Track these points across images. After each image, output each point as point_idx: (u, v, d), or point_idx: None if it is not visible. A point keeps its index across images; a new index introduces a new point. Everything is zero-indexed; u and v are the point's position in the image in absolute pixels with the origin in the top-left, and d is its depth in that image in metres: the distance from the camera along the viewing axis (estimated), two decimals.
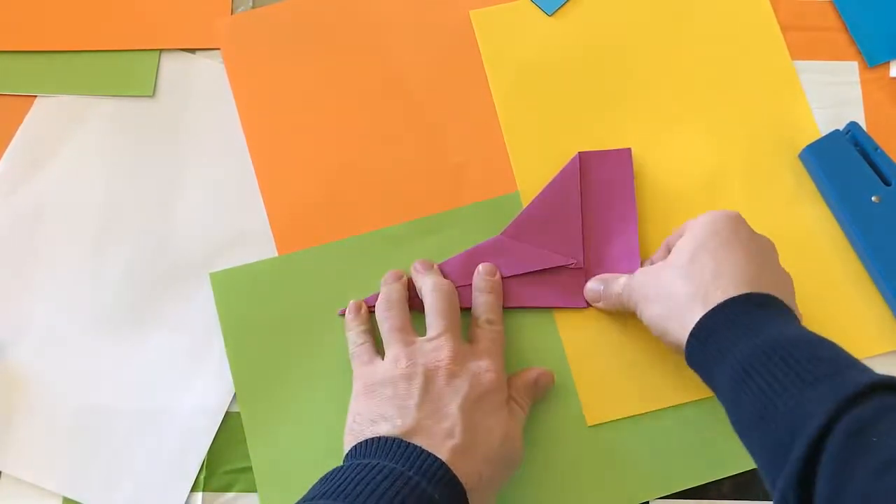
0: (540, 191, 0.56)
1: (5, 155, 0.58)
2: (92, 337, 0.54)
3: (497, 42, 0.60)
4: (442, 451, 0.43)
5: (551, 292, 0.54)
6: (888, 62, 0.60)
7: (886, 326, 0.54)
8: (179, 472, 0.51)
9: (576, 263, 0.54)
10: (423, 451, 0.42)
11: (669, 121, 0.59)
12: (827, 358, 0.39)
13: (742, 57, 0.60)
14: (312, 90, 0.60)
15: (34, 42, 0.60)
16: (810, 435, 0.35)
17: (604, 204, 0.56)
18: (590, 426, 0.52)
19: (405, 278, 0.53)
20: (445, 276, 0.54)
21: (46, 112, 0.59)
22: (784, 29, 0.61)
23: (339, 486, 0.40)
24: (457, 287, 0.53)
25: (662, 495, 0.51)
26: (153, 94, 0.60)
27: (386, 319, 0.50)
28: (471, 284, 0.54)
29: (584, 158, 0.57)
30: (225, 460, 0.52)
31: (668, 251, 0.49)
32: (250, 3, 0.62)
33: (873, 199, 0.55)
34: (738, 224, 0.48)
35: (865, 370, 0.39)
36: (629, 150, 0.57)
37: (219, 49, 0.61)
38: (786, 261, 0.55)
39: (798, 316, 0.45)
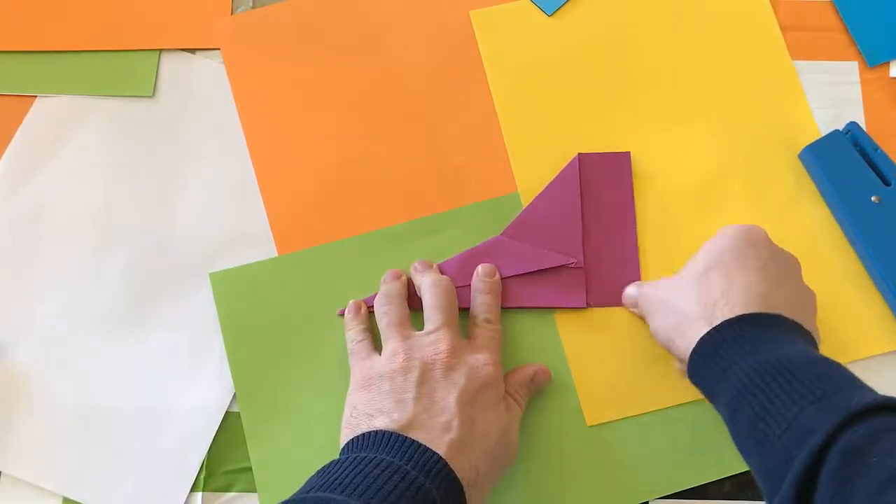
0: (540, 192, 0.56)
1: (5, 155, 0.58)
2: (92, 337, 0.54)
3: (497, 42, 0.60)
4: (440, 446, 0.43)
5: (551, 292, 0.54)
6: (888, 62, 0.60)
7: (886, 326, 0.54)
8: (179, 472, 0.51)
9: (575, 263, 0.54)
10: (420, 445, 0.42)
11: (669, 121, 0.59)
12: (828, 377, 0.39)
13: (742, 57, 0.60)
14: (312, 90, 0.60)
15: (34, 42, 0.60)
16: (809, 452, 0.35)
17: (603, 205, 0.56)
18: (589, 426, 0.52)
19: (404, 277, 0.54)
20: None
21: (46, 112, 0.59)
22: (784, 29, 0.61)
23: (336, 478, 0.40)
24: (456, 287, 0.53)
25: (662, 495, 0.51)
26: (153, 94, 0.60)
27: (384, 314, 0.50)
28: (470, 285, 0.54)
29: (583, 160, 0.57)
30: (225, 460, 0.52)
31: None
32: (250, 3, 0.62)
33: (873, 199, 0.55)
34: (757, 239, 0.47)
35: (868, 390, 0.39)
36: (628, 153, 0.57)
37: (219, 49, 0.61)
38: None
39: (815, 337, 0.45)
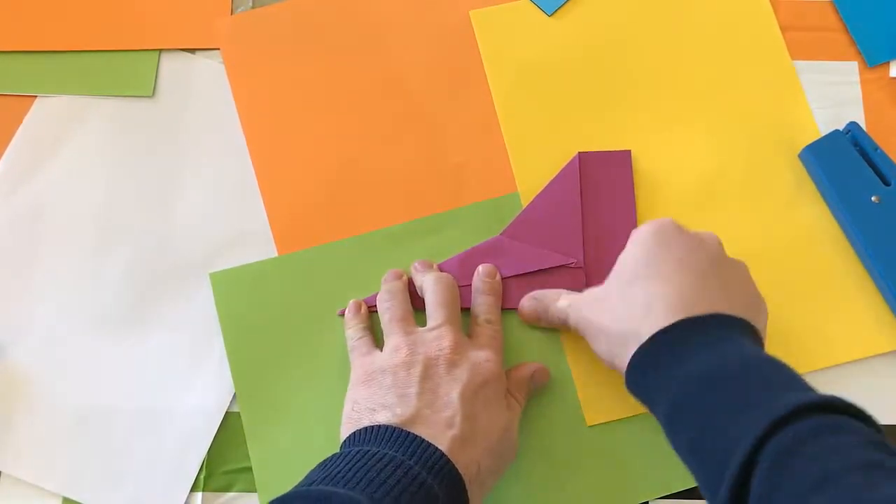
0: (540, 191, 0.56)
1: (5, 155, 0.58)
2: (92, 337, 0.54)
3: (497, 42, 0.60)
4: (442, 442, 0.43)
5: None
6: (888, 62, 0.60)
7: (886, 326, 0.54)
8: (179, 472, 0.51)
9: (576, 263, 0.54)
10: (423, 441, 0.42)
11: (669, 120, 0.59)
12: (761, 379, 0.38)
13: (742, 57, 0.60)
14: (312, 90, 0.60)
15: (34, 42, 0.60)
16: (740, 460, 0.35)
17: (603, 204, 0.56)
18: (589, 426, 0.52)
19: (406, 277, 0.54)
20: None
21: (46, 112, 0.59)
22: (784, 29, 0.61)
23: (339, 472, 0.40)
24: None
25: (662, 495, 0.51)
26: (153, 94, 0.60)
27: (387, 310, 0.50)
28: (470, 285, 0.54)
29: (583, 159, 0.57)
30: (225, 460, 0.52)
31: None
32: (250, 3, 0.62)
33: (873, 199, 0.55)
34: (667, 238, 0.46)
35: (802, 390, 0.38)
36: (629, 152, 0.57)
37: (219, 49, 0.61)
38: (786, 261, 0.55)
39: (754, 307, 0.45)
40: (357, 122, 0.59)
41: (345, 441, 0.45)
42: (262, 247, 0.56)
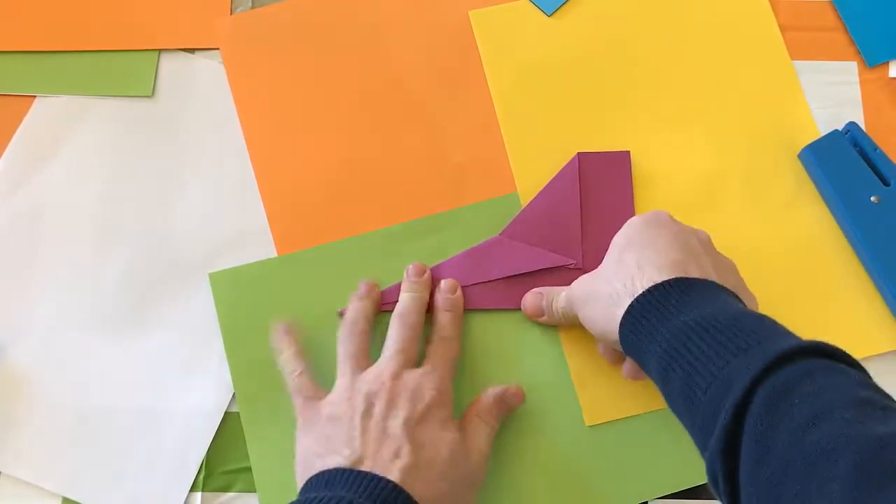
0: (539, 191, 0.56)
1: (5, 155, 0.58)
2: (92, 337, 0.54)
3: (496, 42, 0.60)
4: (392, 473, 0.43)
5: None
6: (888, 62, 0.61)
7: (886, 326, 0.54)
8: (179, 472, 0.51)
9: (575, 264, 0.54)
10: (372, 476, 0.42)
11: (669, 121, 0.59)
12: (752, 329, 0.39)
13: (742, 57, 0.60)
14: (312, 90, 0.60)
15: (34, 42, 0.60)
16: (734, 401, 0.35)
17: (602, 204, 0.56)
18: (589, 426, 0.52)
19: (376, 291, 0.53)
20: (442, 278, 0.54)
21: (46, 112, 0.59)
22: (784, 29, 0.61)
23: None
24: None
25: (662, 495, 0.51)
26: (153, 94, 0.60)
27: (341, 344, 0.50)
28: (470, 285, 0.54)
29: (583, 159, 0.57)
30: (224, 460, 0.52)
31: None
32: (250, 4, 0.62)
33: (872, 199, 0.55)
34: (661, 221, 0.48)
35: (792, 337, 0.39)
36: (628, 152, 0.57)
37: (218, 49, 0.61)
38: (785, 261, 0.55)
39: (747, 299, 0.45)
40: (357, 122, 0.59)
41: (301, 489, 0.45)
42: (261, 247, 0.56)
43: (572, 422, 0.52)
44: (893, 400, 0.36)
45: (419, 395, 0.47)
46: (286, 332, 0.52)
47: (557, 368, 0.53)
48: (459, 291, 0.53)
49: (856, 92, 0.60)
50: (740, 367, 0.37)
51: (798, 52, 0.60)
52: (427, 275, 0.54)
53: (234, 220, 0.57)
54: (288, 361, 0.51)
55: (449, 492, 0.44)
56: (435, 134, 0.59)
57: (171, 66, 0.60)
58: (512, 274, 0.54)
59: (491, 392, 0.50)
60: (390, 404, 0.46)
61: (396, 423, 0.45)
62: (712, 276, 0.44)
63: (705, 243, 0.48)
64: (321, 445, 0.45)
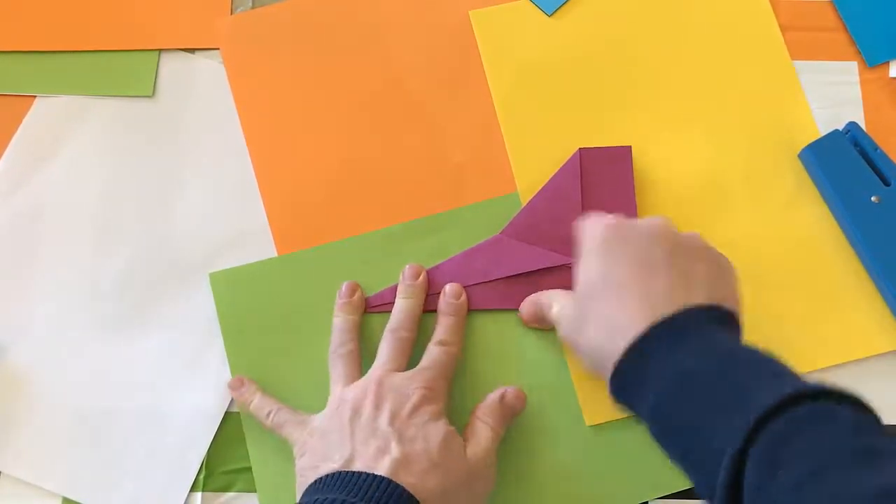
0: (541, 187, 0.56)
1: (5, 155, 0.58)
2: (92, 337, 0.54)
3: (497, 42, 0.60)
4: (380, 468, 0.43)
5: None
6: (888, 62, 0.60)
7: (886, 326, 0.54)
8: (179, 472, 0.51)
9: (576, 262, 0.54)
10: (361, 473, 0.42)
11: (669, 121, 0.59)
12: (740, 376, 0.38)
13: (742, 57, 0.60)
14: (312, 90, 0.60)
15: (34, 42, 0.60)
16: (729, 457, 0.35)
17: (604, 201, 0.55)
18: (589, 426, 0.52)
19: (358, 299, 0.53)
20: (442, 278, 0.54)
21: (46, 112, 0.59)
22: (784, 29, 0.61)
23: None
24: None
25: (662, 495, 0.51)
26: (153, 94, 0.60)
27: (331, 368, 0.51)
28: (471, 285, 0.54)
29: (584, 155, 0.56)
30: (224, 460, 0.52)
31: None
32: (250, 4, 0.62)
33: (873, 199, 0.55)
34: (615, 242, 0.45)
35: (785, 377, 0.38)
36: (629, 147, 0.57)
37: (218, 49, 0.61)
38: (786, 261, 0.55)
39: (725, 301, 0.43)
40: (357, 122, 0.59)
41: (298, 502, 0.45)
42: (262, 247, 0.56)
43: (572, 422, 0.52)
44: (889, 436, 0.35)
45: (406, 393, 0.47)
46: (239, 384, 0.52)
47: (557, 368, 0.53)
48: (464, 297, 0.53)
49: (856, 92, 0.60)
50: (736, 419, 0.36)
51: (798, 52, 0.60)
52: (423, 277, 0.53)
53: (234, 220, 0.57)
54: (259, 407, 0.51)
55: (446, 483, 0.44)
56: (435, 134, 0.59)
57: (171, 66, 0.60)
58: (512, 274, 0.54)
59: (492, 395, 0.50)
60: (377, 405, 0.46)
61: (384, 421, 0.45)
62: (685, 293, 0.42)
63: (666, 244, 0.45)
64: (316, 459, 0.46)
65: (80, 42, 0.60)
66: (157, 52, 0.60)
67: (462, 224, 0.56)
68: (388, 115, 0.59)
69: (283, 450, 0.51)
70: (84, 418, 0.53)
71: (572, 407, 0.53)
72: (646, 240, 0.45)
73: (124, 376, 0.53)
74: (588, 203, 0.55)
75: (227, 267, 0.55)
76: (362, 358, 0.51)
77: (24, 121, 0.59)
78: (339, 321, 0.52)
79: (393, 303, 0.53)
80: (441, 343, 0.51)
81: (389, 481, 0.42)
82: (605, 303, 0.44)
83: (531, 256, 0.55)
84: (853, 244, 0.56)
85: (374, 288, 0.54)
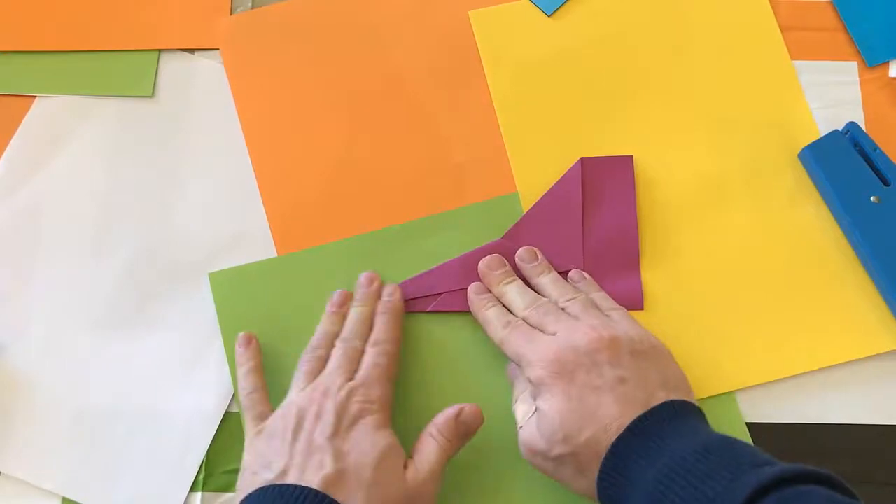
0: (542, 195, 0.56)
1: (5, 155, 0.58)
2: (92, 337, 0.54)
3: (496, 42, 0.60)
4: (314, 482, 0.43)
5: None
6: (888, 62, 0.60)
7: (886, 326, 0.54)
8: (178, 472, 0.51)
9: (576, 269, 0.54)
10: (292, 486, 0.42)
11: (669, 121, 0.59)
12: (709, 475, 0.39)
13: (742, 57, 0.60)
14: (312, 90, 0.60)
15: (34, 42, 0.60)
16: None
17: (605, 210, 0.56)
18: None
19: (346, 311, 0.53)
20: (441, 280, 0.54)
21: (46, 112, 0.59)
22: (784, 29, 0.61)
23: None
24: (454, 290, 0.53)
25: None
26: (153, 95, 0.60)
27: (300, 364, 0.51)
28: (466, 289, 0.54)
29: (586, 164, 0.56)
30: (224, 460, 0.52)
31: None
32: (250, 4, 0.62)
33: (872, 199, 0.55)
34: (569, 373, 0.46)
35: (761, 465, 0.39)
36: (630, 157, 0.57)
37: (218, 49, 0.61)
38: (785, 261, 0.55)
39: (679, 390, 0.46)
40: (357, 122, 0.59)
41: None
42: (261, 247, 0.56)
43: None
44: None
45: (346, 407, 0.46)
46: (245, 344, 0.52)
47: None
48: (398, 294, 0.53)
49: (856, 92, 0.60)
50: None
51: (798, 52, 0.60)
52: (376, 285, 0.53)
53: (234, 220, 0.57)
54: (242, 378, 0.51)
55: (382, 497, 0.44)
56: (435, 134, 0.59)
57: (172, 66, 0.60)
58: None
59: (449, 410, 0.48)
60: (318, 416, 0.46)
61: (321, 436, 0.45)
62: (643, 397, 0.44)
63: (622, 355, 0.46)
64: (257, 462, 0.46)
65: (80, 42, 0.60)
66: (157, 53, 0.61)
67: (462, 224, 0.56)
68: (388, 115, 0.59)
69: None
70: (83, 418, 0.53)
71: None
72: (590, 363, 0.46)
73: (124, 376, 0.53)
74: (588, 212, 0.55)
75: (227, 267, 0.55)
76: None
77: (24, 121, 0.59)
78: (323, 326, 0.52)
79: None
80: (377, 344, 0.51)
81: (323, 496, 0.42)
82: (575, 424, 0.44)
83: None
84: (853, 244, 0.55)
85: None
